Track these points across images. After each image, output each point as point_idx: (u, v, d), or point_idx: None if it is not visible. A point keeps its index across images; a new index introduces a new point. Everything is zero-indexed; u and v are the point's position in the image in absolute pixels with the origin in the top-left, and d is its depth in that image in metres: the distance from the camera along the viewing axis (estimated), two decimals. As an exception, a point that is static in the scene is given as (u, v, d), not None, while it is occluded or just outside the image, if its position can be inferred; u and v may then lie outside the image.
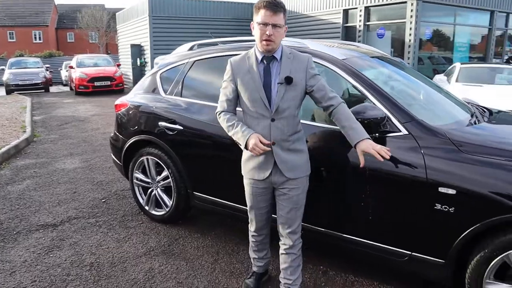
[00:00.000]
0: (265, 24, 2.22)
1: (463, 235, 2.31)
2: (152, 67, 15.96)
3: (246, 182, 2.56)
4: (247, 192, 2.57)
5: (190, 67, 3.61)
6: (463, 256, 2.38)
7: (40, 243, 3.52)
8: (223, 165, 3.26)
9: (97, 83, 15.43)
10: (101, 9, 41.19)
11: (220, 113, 2.47)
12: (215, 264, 3.17)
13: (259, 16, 2.25)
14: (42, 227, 3.82)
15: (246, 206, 3.07)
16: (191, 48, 3.88)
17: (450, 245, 2.37)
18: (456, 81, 8.84)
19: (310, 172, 2.50)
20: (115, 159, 4.26)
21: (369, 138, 2.29)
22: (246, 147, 2.31)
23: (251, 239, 2.75)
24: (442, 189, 2.33)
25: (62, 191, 4.81)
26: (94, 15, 39.23)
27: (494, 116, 3.27)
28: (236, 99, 2.44)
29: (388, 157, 2.26)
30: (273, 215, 2.62)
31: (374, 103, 2.65)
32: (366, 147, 2.26)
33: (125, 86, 16.74)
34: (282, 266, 2.57)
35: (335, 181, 2.72)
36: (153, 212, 3.91)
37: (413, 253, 2.53)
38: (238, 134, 2.34)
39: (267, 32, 2.22)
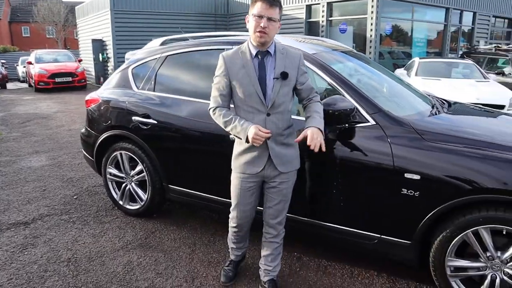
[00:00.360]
0: (260, 17, 2.26)
1: (427, 217, 2.50)
2: (115, 62, 15.71)
3: (235, 176, 2.56)
4: (235, 186, 2.56)
5: (163, 62, 3.65)
6: (427, 237, 2.58)
7: (13, 241, 3.48)
8: (198, 158, 3.33)
9: (58, 79, 14.97)
10: (58, 2, 39.71)
11: (214, 108, 2.45)
12: (193, 255, 3.25)
13: (255, 8, 2.28)
14: (14, 226, 3.77)
15: (222, 197, 3.19)
16: (162, 43, 3.91)
17: (416, 227, 2.55)
18: (416, 75, 9.24)
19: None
20: (86, 155, 4.24)
21: (319, 129, 2.32)
22: (247, 140, 2.31)
23: (231, 232, 2.76)
24: (407, 175, 2.51)
25: (30, 189, 4.72)
26: (51, 8, 37.77)
27: (452, 107, 3.51)
28: (230, 94, 2.44)
29: (316, 150, 2.27)
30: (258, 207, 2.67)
31: (343, 96, 2.80)
32: (311, 131, 2.28)
33: (87, 82, 16.31)
34: (264, 253, 2.68)
35: (308, 171, 2.84)
36: (128, 206, 3.93)
37: (382, 236, 2.70)
38: (237, 129, 2.34)
39: (262, 24, 2.25)
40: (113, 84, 4.00)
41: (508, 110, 7.14)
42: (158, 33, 16.65)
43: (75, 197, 4.47)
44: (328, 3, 13.83)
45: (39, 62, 15.98)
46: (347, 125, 2.71)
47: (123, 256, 3.22)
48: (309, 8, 14.61)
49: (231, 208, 2.67)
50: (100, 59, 16.95)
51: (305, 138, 2.30)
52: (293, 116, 2.63)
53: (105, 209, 4.12)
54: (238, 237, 2.76)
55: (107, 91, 3.98)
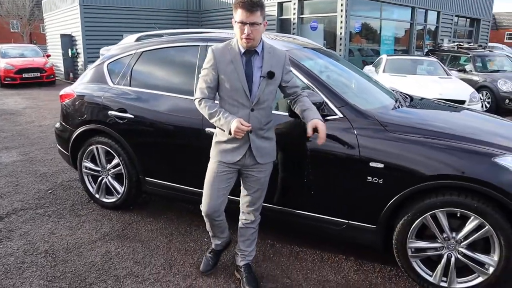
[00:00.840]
0: (243, 23, 2.34)
1: (390, 202, 2.70)
2: (85, 58, 15.45)
3: (212, 161, 2.64)
4: (211, 170, 2.63)
5: (138, 58, 3.72)
6: (390, 221, 2.78)
7: (-12, 235, 3.49)
8: (174, 150, 3.44)
9: (25, 75, 14.57)
10: (23, -5, 38.44)
11: (200, 99, 2.51)
12: (170, 244, 3.35)
13: (237, 15, 2.37)
14: (-13, 220, 3.77)
15: (198, 188, 3.30)
16: (137, 40, 3.98)
17: (380, 212, 2.76)
18: (383, 71, 9.56)
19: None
20: (61, 149, 4.26)
21: (321, 120, 2.52)
22: (229, 133, 2.40)
23: (207, 224, 2.80)
24: (372, 164, 2.71)
25: (2, 184, 4.69)
26: (16, 2, 36.55)
27: (414, 101, 3.74)
28: (216, 87, 2.51)
29: (319, 143, 2.51)
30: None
31: (313, 90, 2.96)
32: (318, 122, 2.47)
33: (56, 78, 15.95)
34: (240, 238, 2.82)
35: (281, 162, 3.00)
36: (104, 199, 3.99)
37: (349, 222, 2.89)
38: (221, 121, 2.43)
39: (245, 31, 2.34)
40: (88, 79, 4.03)
41: (468, 104, 7.53)
42: (129, 29, 16.50)
43: (49, 191, 4.49)
44: (299, 1, 14.05)
45: (5, 57, 15.51)
46: (316, 118, 2.87)
47: (101, 247, 3.29)
48: (280, 5, 14.80)
49: (203, 196, 2.69)
50: (70, 54, 16.61)
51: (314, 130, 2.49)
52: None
53: (80, 203, 4.16)
54: (212, 227, 2.79)
55: (81, 86, 4.01)
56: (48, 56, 16.68)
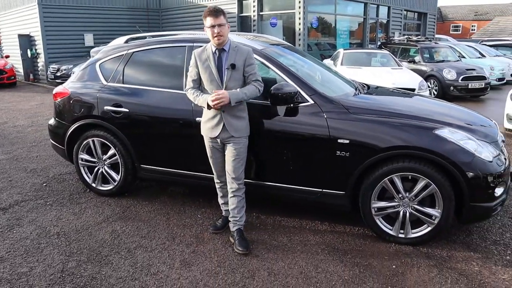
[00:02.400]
0: (212, 26, 3.06)
1: (356, 171, 3.31)
2: (45, 58, 15.34)
3: (204, 139, 3.38)
4: (206, 147, 3.39)
5: (130, 58, 4.14)
6: (356, 187, 3.39)
7: (-2, 223, 3.82)
8: (167, 139, 3.91)
9: (-16, 77, 14.34)
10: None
11: (188, 89, 3.30)
12: (169, 221, 3.83)
13: (207, 22, 3.09)
14: (-7, 211, 4.08)
15: (189, 171, 3.86)
16: (127, 41, 4.38)
17: (348, 180, 3.36)
18: (341, 64, 10.29)
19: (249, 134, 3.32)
20: (56, 144, 4.60)
21: (229, 95, 3.05)
22: (209, 107, 3.10)
23: (216, 186, 3.54)
24: (340, 140, 3.31)
25: (-4, 180, 4.97)
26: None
27: (370, 89, 4.38)
28: (199, 79, 3.27)
29: (213, 106, 3.07)
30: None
31: (288, 82, 3.51)
32: (222, 92, 3.06)
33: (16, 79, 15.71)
34: (230, 207, 3.35)
35: (262, 142, 3.54)
36: (101, 188, 4.39)
37: (323, 190, 3.48)
38: (200, 100, 3.17)
39: (215, 31, 3.06)
40: (81, 78, 4.40)
41: (417, 92, 8.36)
42: (89, 28, 16.54)
43: (44, 184, 4.81)
44: (258, -2, 14.59)
45: (-39, 59, 15.14)
46: (292, 105, 3.43)
47: (107, 227, 3.72)
48: (240, 3, 15.30)
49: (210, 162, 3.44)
50: (29, 55, 16.38)
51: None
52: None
53: (77, 192, 4.54)
54: (222, 190, 3.52)
55: (76, 85, 4.38)
56: (7, 57, 16.37)
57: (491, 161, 3.19)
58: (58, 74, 14.36)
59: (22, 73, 17.18)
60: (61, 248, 3.36)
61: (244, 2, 15.26)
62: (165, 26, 18.63)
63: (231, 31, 3.41)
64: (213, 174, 3.51)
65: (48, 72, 14.99)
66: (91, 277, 2.95)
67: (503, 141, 3.74)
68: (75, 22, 16.15)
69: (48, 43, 15.64)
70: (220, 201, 3.61)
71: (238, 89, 3.15)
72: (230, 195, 3.35)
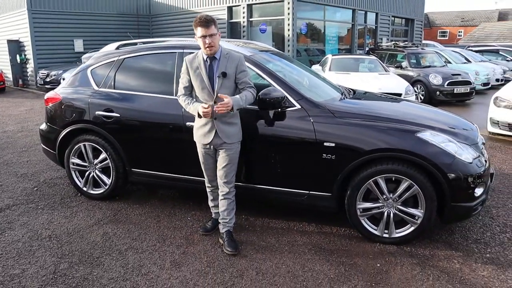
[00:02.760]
0: (204, 36, 3.10)
1: (341, 173, 3.42)
2: (35, 64, 15.31)
3: (197, 146, 3.43)
4: (199, 152, 3.44)
5: (121, 64, 4.22)
6: (342, 188, 3.50)
7: (-11, 227, 3.86)
8: (158, 143, 3.98)
9: (-27, 83, 14.27)
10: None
11: (180, 96, 3.35)
12: (159, 224, 3.90)
13: (198, 32, 3.12)
14: (-16, 216, 4.11)
15: (179, 175, 3.94)
16: (117, 48, 4.46)
17: (334, 182, 3.46)
18: (329, 70, 10.46)
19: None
20: (47, 148, 4.65)
21: (233, 102, 3.08)
22: (199, 115, 3.17)
23: (207, 190, 3.60)
24: (326, 143, 3.41)
25: (-13, 185, 4.99)
26: None
27: (356, 94, 4.50)
28: (191, 86, 3.32)
29: (217, 112, 3.11)
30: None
31: (275, 87, 3.62)
32: (227, 99, 3.07)
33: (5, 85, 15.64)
34: (220, 209, 3.43)
35: (251, 146, 3.62)
36: (92, 191, 4.44)
37: (310, 192, 3.58)
38: (191, 108, 3.24)
39: (207, 41, 3.10)
40: (72, 84, 4.47)
41: (404, 97, 8.53)
42: (79, 34, 16.55)
43: (35, 189, 4.85)
44: (248, 5, 14.77)
45: (-51, 65, 15.05)
46: (279, 109, 3.53)
47: (98, 230, 3.78)
48: (230, 9, 15.45)
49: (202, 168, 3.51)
50: (18, 60, 16.33)
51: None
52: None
53: (68, 196, 4.58)
54: (212, 194, 3.58)
55: (67, 90, 4.44)
56: (-4, 63, 16.30)
57: (471, 163, 3.32)
58: (48, 79, 14.35)
59: (11, 79, 17.11)
60: (53, 250, 3.41)
61: (234, 8, 15.41)
62: (155, 32, 18.71)
63: (221, 37, 3.49)
64: (203, 177, 3.59)
65: (38, 78, 14.96)
66: (83, 278, 3.01)
67: (483, 143, 3.88)
68: (65, 28, 16.17)
69: (38, 48, 15.61)
70: (210, 203, 3.68)
71: (238, 96, 3.19)
72: (220, 198, 3.43)
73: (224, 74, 3.19)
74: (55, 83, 13.98)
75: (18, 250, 3.43)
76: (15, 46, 16.47)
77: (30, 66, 16.11)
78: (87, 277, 3.02)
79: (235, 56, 3.28)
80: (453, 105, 11.18)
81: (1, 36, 17.88)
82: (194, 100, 3.29)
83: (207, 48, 3.13)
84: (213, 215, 3.72)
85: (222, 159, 3.33)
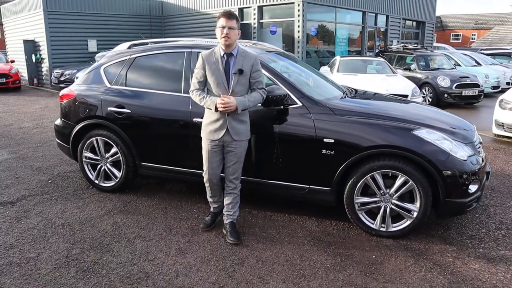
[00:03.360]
0: (223, 27, 3.23)
1: (340, 168, 3.57)
2: (50, 63, 15.66)
3: (203, 141, 3.48)
4: (205, 149, 3.48)
5: (132, 62, 4.43)
6: (341, 183, 3.64)
7: (6, 215, 4.08)
8: (167, 138, 4.18)
9: (-10, 81, 14.67)
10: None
11: (193, 90, 3.40)
12: (166, 215, 4.08)
13: (219, 22, 3.26)
14: (1, 205, 4.33)
15: (187, 169, 4.09)
16: (129, 47, 4.67)
17: (333, 176, 3.61)
18: (337, 71, 10.58)
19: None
20: (61, 143, 4.87)
21: (236, 102, 3.21)
22: (216, 109, 3.23)
23: (206, 187, 3.64)
24: (326, 140, 3.57)
25: (4, 177, 5.23)
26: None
27: (357, 94, 4.65)
28: (205, 81, 3.38)
29: (220, 110, 3.23)
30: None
31: (279, 85, 3.78)
32: (232, 99, 3.21)
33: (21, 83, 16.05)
34: (225, 202, 3.59)
35: (255, 141, 3.79)
36: (103, 184, 4.65)
37: (310, 186, 3.74)
38: (208, 102, 3.29)
39: (225, 31, 3.21)
40: (86, 81, 4.68)
41: (411, 98, 8.63)
42: (93, 34, 16.89)
43: (49, 181, 5.08)
44: (259, 6, 14.94)
45: (-32, 63, 15.50)
46: (282, 107, 3.70)
47: (109, 219, 3.98)
48: (241, 11, 15.64)
49: (203, 168, 3.55)
50: (33, 60, 16.74)
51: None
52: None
53: (81, 188, 4.80)
54: (211, 190, 3.64)
55: (81, 87, 4.66)
56: (13, 61, 16.72)
57: (465, 160, 3.44)
58: (62, 78, 14.68)
59: (27, 78, 17.52)
60: (66, 237, 3.61)
61: (244, 10, 15.60)
62: (167, 33, 18.99)
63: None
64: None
65: (52, 77, 15.32)
66: (94, 262, 3.20)
67: (480, 142, 4.00)
68: (79, 28, 16.52)
69: (53, 48, 15.98)
70: (210, 199, 3.76)
71: (245, 97, 3.30)
72: (227, 192, 3.57)
73: (240, 71, 3.29)
74: (69, 82, 14.30)
75: (33, 236, 3.64)
76: (30, 46, 16.88)
77: (45, 66, 16.49)
78: (97, 261, 3.21)
79: (251, 55, 3.41)
80: (461, 108, 11.23)
81: (17, 36, 18.33)
82: (208, 95, 3.35)
83: (223, 39, 3.22)
84: (212, 209, 3.80)
85: (231, 156, 3.45)
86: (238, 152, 3.46)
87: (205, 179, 3.61)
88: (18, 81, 15.40)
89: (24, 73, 17.51)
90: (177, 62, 4.21)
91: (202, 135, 3.50)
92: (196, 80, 3.40)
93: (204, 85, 3.41)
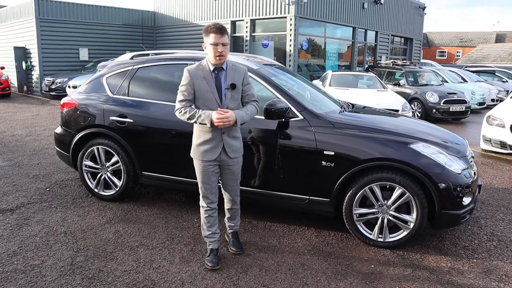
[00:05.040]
0: (216, 44, 3.03)
1: (339, 180, 3.68)
2: (40, 70, 15.62)
3: (197, 163, 3.23)
4: (199, 171, 3.23)
5: (135, 73, 4.50)
6: (340, 194, 3.75)
7: (6, 222, 4.08)
8: (168, 148, 4.24)
9: (-20, 88, 14.56)
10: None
11: (180, 109, 3.10)
12: (167, 224, 4.13)
13: (210, 39, 3.03)
14: (0, 212, 4.33)
15: (188, 178, 4.13)
16: (132, 58, 4.75)
17: (332, 188, 3.72)
18: (329, 85, 10.78)
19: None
20: (61, 151, 4.90)
21: (235, 116, 3.05)
22: (211, 124, 3.00)
23: (203, 215, 3.34)
24: (326, 152, 3.68)
25: (1, 184, 5.21)
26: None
27: (354, 108, 4.80)
28: (193, 99, 3.13)
29: (218, 125, 3.02)
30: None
31: (280, 99, 3.89)
32: (230, 113, 3.02)
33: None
34: (227, 215, 3.61)
35: (257, 153, 3.89)
36: (102, 193, 4.68)
37: (310, 197, 3.84)
38: (201, 117, 3.01)
39: (219, 50, 3.02)
40: (88, 91, 4.74)
41: (401, 113, 8.83)
42: (85, 43, 16.91)
43: (48, 189, 5.09)
44: (251, 20, 15.18)
45: (-44, 70, 15.35)
46: (283, 119, 3.81)
47: (110, 228, 4.01)
48: (234, 24, 15.86)
49: (200, 191, 3.31)
50: (24, 67, 16.65)
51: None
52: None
53: (80, 197, 4.82)
54: (210, 219, 3.34)
55: (82, 96, 4.71)
56: (2, 68, 16.60)
57: (459, 173, 3.59)
58: (53, 86, 14.65)
59: (16, 85, 17.40)
60: (69, 245, 3.64)
61: (237, 23, 15.82)
62: (159, 43, 19.10)
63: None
64: None
65: (43, 85, 15.26)
66: (98, 270, 3.24)
67: (472, 157, 4.16)
68: (71, 37, 16.55)
69: (44, 56, 15.96)
70: (206, 233, 3.39)
71: (242, 110, 3.14)
72: (228, 207, 3.54)
73: (233, 86, 3.14)
74: (60, 90, 14.30)
75: (36, 243, 3.66)
76: (21, 53, 16.81)
77: (36, 73, 16.42)
78: (102, 269, 3.25)
79: (241, 68, 3.26)
80: (448, 123, 11.51)
81: (8, 42, 18.23)
82: (200, 109, 3.07)
83: (218, 57, 3.04)
84: (211, 246, 3.39)
85: (228, 175, 3.33)
86: (236, 169, 3.34)
87: (203, 204, 3.33)
88: (8, 88, 15.30)
89: (14, 80, 17.40)
90: (179, 73, 4.27)
91: (193, 156, 3.27)
92: (183, 97, 3.11)
93: (192, 103, 3.13)
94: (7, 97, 15.39)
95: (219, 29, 3.05)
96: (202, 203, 3.35)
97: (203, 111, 3.07)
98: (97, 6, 17.25)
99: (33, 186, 5.18)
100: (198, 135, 3.22)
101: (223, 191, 3.49)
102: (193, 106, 3.14)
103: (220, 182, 3.42)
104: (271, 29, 15.11)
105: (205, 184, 3.26)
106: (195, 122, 3.11)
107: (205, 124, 3.07)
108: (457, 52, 44.87)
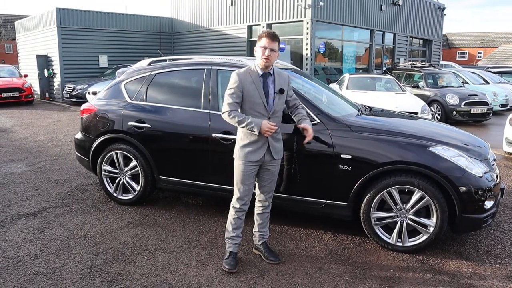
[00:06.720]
0: (265, 48, 3.14)
1: (357, 184, 3.65)
2: (61, 78, 15.94)
3: (240, 163, 3.28)
4: (240, 171, 3.27)
5: (153, 78, 4.56)
6: (358, 198, 3.72)
7: (29, 226, 4.17)
8: (185, 153, 4.28)
9: (4, 95, 14.90)
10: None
11: (229, 112, 3.18)
12: (185, 228, 4.16)
13: (261, 42, 3.16)
14: (23, 216, 4.44)
15: (205, 183, 4.16)
16: (149, 64, 4.81)
17: (350, 192, 3.69)
18: (347, 88, 10.72)
19: None
20: (81, 156, 4.99)
21: (309, 123, 3.40)
22: (259, 131, 3.12)
23: (233, 216, 3.37)
24: (343, 155, 3.66)
25: (24, 189, 5.34)
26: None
27: (372, 111, 4.75)
28: (240, 102, 3.21)
29: (306, 141, 3.36)
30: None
31: (297, 102, 3.88)
32: (308, 126, 3.35)
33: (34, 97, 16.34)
34: (257, 222, 3.57)
35: (273, 157, 3.89)
36: (121, 197, 4.75)
37: (327, 201, 3.81)
38: (251, 124, 3.11)
39: (266, 53, 3.13)
40: (106, 97, 4.82)
41: (420, 115, 8.71)
42: (104, 50, 17.22)
43: (68, 193, 5.18)
44: (268, 24, 15.21)
45: (-18, 77, 15.82)
46: (300, 123, 3.80)
47: (129, 231, 4.06)
48: (250, 28, 15.93)
49: (235, 192, 3.35)
50: (46, 74, 17.05)
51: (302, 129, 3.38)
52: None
53: (100, 201, 4.90)
54: (238, 220, 3.38)
55: (101, 102, 4.80)
56: (26, 76, 17.03)
57: (481, 177, 3.51)
58: (74, 93, 14.95)
59: (39, 92, 17.82)
60: (89, 248, 3.70)
61: (253, 27, 15.88)
62: (176, 49, 19.31)
63: (240, 55, 3.64)
64: (226, 185, 3.74)
65: (64, 91, 15.59)
66: (117, 273, 3.28)
67: (494, 159, 4.07)
68: (91, 44, 16.87)
69: (65, 63, 16.30)
70: (231, 234, 3.42)
71: (307, 118, 3.42)
72: (259, 212, 3.52)
73: (281, 91, 3.27)
74: (80, 96, 14.58)
75: (57, 247, 3.73)
76: (43, 61, 17.22)
77: (57, 80, 16.79)
78: (121, 272, 3.29)
79: (285, 74, 3.39)
80: (469, 125, 11.29)
81: (31, 51, 18.71)
82: (249, 116, 3.17)
83: (264, 60, 3.14)
84: (231, 248, 3.43)
85: (268, 175, 3.37)
86: (275, 170, 3.41)
87: (236, 205, 3.37)
88: (31, 95, 15.68)
89: (36, 87, 17.83)
90: (197, 78, 4.34)
91: (236, 156, 3.32)
92: (232, 100, 3.19)
93: (239, 106, 3.23)
94: (30, 104, 15.77)
95: (271, 35, 3.19)
96: (235, 204, 3.38)
97: (253, 119, 3.16)
98: (116, 13, 17.56)
99: (54, 191, 5.28)
100: (244, 137, 3.29)
101: (257, 194, 3.50)
102: (238, 110, 3.25)
103: (257, 183, 3.46)
104: (288, 33, 15.10)
105: (244, 185, 3.31)
106: (243, 127, 3.20)
107: (253, 131, 3.17)
108: (479, 53, 44.04)
